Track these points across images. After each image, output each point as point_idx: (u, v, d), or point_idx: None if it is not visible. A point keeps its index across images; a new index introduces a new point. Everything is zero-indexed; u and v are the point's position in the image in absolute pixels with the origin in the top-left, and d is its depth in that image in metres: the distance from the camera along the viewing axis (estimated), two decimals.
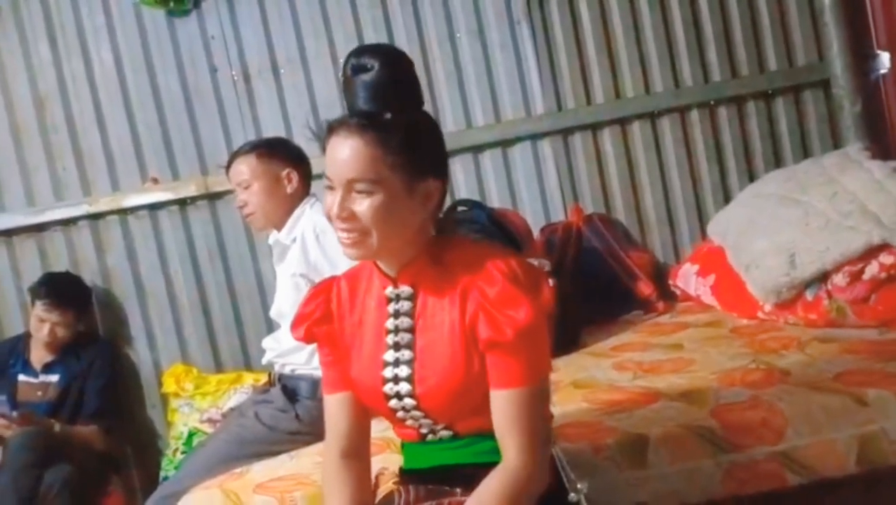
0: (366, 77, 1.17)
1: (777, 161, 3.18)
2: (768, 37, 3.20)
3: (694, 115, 3.17)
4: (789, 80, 3.20)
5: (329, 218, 1.22)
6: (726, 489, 1.57)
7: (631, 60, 3.12)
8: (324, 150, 1.22)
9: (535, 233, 2.85)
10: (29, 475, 2.30)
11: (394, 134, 1.17)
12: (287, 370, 2.13)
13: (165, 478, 2.58)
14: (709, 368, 1.96)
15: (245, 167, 2.18)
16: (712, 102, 3.17)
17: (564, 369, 2.17)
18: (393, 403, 1.25)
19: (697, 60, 3.16)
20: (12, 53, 2.90)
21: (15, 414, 2.45)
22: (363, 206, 1.17)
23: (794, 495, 1.59)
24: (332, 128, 1.20)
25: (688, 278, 2.79)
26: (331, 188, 1.20)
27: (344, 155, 1.17)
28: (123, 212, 2.93)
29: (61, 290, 2.71)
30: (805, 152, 3.16)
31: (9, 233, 2.90)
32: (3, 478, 2.31)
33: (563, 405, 1.80)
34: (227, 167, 2.25)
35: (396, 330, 1.26)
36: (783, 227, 2.33)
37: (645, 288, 2.84)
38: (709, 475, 1.58)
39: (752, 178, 3.11)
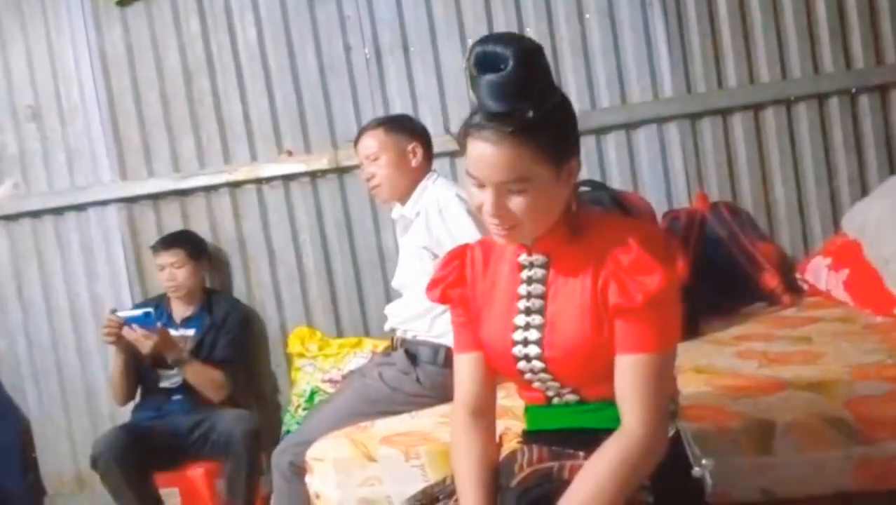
0: (501, 76, 1.12)
1: None
2: None
3: (833, 102, 3.00)
4: None
5: (479, 213, 1.22)
6: (858, 483, 1.53)
7: (768, 43, 2.98)
8: (461, 146, 1.21)
9: (658, 218, 2.80)
10: None
11: (537, 131, 1.15)
12: (409, 336, 2.22)
13: (288, 431, 2.74)
14: (841, 362, 1.89)
15: (373, 141, 2.27)
16: (854, 91, 3.01)
17: (684, 355, 2.08)
18: (521, 365, 1.29)
19: (840, 45, 3.00)
20: (165, 27, 3.07)
21: (159, 325, 2.69)
22: (518, 203, 1.18)
23: None
24: (471, 130, 1.17)
25: (818, 272, 2.68)
26: (480, 186, 1.20)
27: (492, 159, 1.16)
28: (259, 181, 3.07)
29: (170, 236, 2.97)
30: None
31: (156, 197, 3.11)
32: None
33: (684, 388, 1.76)
34: (356, 141, 2.35)
35: (528, 296, 1.29)
36: None
37: (770, 280, 2.75)
38: (839, 467, 1.54)
39: (893, 170, 2.96)
